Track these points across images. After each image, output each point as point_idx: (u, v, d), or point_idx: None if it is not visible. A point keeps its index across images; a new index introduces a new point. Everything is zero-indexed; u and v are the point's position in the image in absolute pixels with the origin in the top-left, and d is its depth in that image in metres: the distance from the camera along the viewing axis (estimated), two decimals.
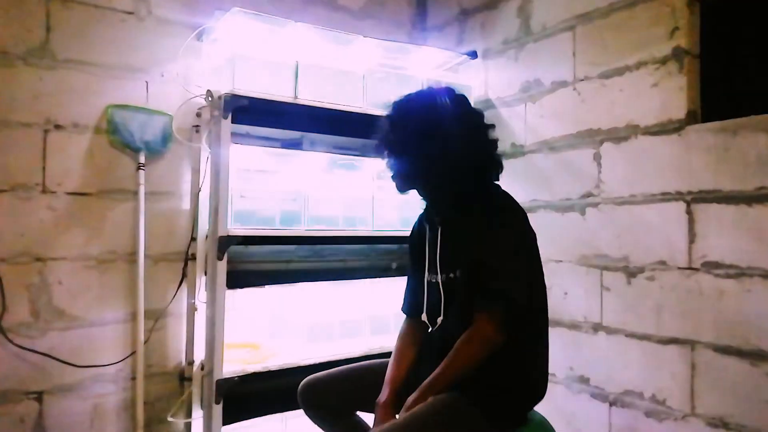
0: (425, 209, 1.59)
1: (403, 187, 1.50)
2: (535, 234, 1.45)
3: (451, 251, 1.45)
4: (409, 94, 1.50)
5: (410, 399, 1.34)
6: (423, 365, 1.47)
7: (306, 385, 1.61)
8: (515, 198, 1.47)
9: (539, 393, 1.44)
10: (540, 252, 1.46)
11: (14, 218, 1.86)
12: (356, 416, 1.64)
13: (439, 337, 1.44)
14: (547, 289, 1.48)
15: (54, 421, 1.91)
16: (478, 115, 1.50)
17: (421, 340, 1.54)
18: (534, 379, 1.43)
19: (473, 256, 1.36)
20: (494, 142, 1.49)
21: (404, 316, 1.64)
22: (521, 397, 1.41)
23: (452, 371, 1.32)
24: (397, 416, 1.40)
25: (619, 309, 1.94)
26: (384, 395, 1.46)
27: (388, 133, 1.47)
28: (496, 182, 1.50)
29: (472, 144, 1.42)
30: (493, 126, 1.50)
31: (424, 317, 1.51)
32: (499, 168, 1.50)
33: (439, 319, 1.46)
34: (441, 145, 1.39)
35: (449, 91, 1.49)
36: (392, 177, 1.50)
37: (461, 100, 1.49)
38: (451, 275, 1.43)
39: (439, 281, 1.46)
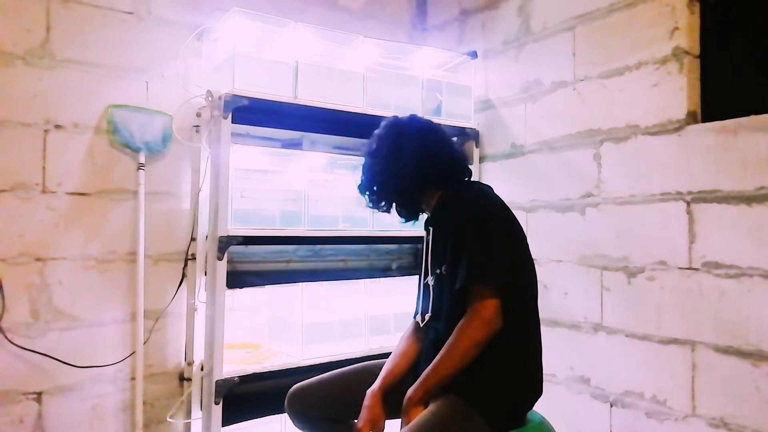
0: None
1: (385, 208, 1.62)
2: (517, 222, 1.49)
3: (438, 250, 1.50)
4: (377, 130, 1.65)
5: (410, 390, 1.35)
6: (420, 366, 1.48)
7: (292, 395, 1.58)
8: (502, 194, 1.54)
9: (536, 389, 1.43)
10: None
11: (14, 218, 1.86)
12: (351, 422, 1.55)
13: (432, 339, 1.46)
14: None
15: (53, 421, 1.90)
16: (439, 131, 1.62)
17: (422, 343, 1.56)
18: (528, 372, 1.42)
19: (452, 249, 1.41)
20: (459, 152, 1.64)
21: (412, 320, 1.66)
22: (518, 393, 1.40)
23: (453, 355, 1.31)
24: (383, 405, 1.45)
25: (619, 309, 1.94)
26: (375, 384, 1.49)
27: (366, 165, 1.62)
28: (471, 180, 1.61)
29: (431, 157, 1.55)
30: (452, 140, 1.66)
31: (418, 318, 1.56)
32: (466, 172, 1.61)
33: (427, 316, 1.51)
34: (405, 160, 1.54)
35: (411, 118, 1.64)
36: (374, 204, 1.61)
37: (422, 125, 1.62)
38: (438, 271, 1.48)
39: (432, 281, 1.51)
